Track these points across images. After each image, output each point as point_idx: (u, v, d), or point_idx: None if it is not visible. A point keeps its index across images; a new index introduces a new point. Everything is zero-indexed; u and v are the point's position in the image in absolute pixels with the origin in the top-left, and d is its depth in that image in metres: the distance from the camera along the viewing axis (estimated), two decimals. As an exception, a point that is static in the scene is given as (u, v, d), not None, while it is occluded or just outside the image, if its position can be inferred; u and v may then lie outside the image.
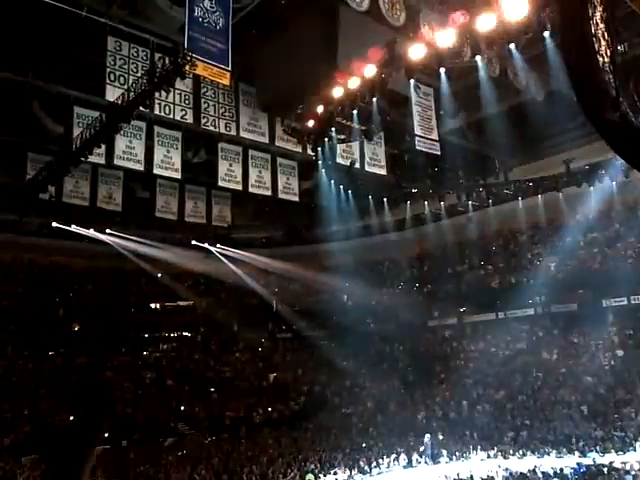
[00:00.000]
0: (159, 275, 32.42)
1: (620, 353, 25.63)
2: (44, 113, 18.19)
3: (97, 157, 17.40)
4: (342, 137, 19.27)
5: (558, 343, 26.89)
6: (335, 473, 20.03)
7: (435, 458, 21.20)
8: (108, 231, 28.54)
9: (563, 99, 17.89)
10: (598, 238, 28.51)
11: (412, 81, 17.13)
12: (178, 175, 19.47)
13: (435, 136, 18.71)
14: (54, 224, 26.92)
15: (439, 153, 19.27)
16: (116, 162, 18.03)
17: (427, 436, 21.67)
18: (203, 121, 18.22)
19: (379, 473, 20.73)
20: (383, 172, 22.47)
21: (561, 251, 27.79)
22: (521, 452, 20.82)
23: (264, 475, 19.60)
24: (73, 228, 27.41)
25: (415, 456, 21.63)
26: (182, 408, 28.78)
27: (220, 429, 27.00)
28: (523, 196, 26.63)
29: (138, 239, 28.74)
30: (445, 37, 14.10)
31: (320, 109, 17.22)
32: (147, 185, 23.76)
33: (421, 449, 21.59)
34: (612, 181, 23.86)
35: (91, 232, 28.01)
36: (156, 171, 18.89)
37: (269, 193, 21.63)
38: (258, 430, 27.08)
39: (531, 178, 25.59)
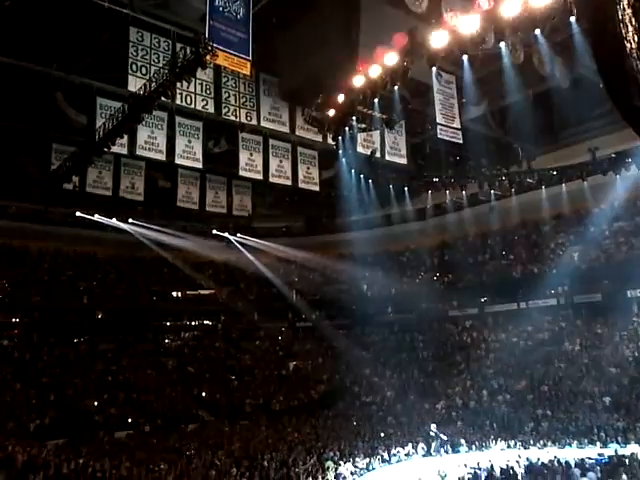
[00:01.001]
0: (180, 264, 32.74)
1: (644, 345, 25.27)
2: (67, 104, 18.40)
3: (119, 147, 17.57)
4: (363, 126, 19.15)
5: (581, 334, 26.59)
6: (355, 461, 20.11)
7: (440, 449, 21.13)
8: (130, 220, 28.89)
9: (589, 86, 17.58)
10: (624, 227, 28.03)
11: (434, 69, 16.91)
12: (199, 165, 19.58)
13: (457, 124, 18.47)
14: (78, 214, 27.33)
15: (461, 142, 19.02)
16: (138, 152, 18.19)
17: (433, 426, 21.55)
18: (224, 111, 18.27)
19: (398, 461, 20.78)
20: (404, 161, 22.32)
21: (585, 241, 27.41)
22: (542, 442, 20.69)
23: (284, 462, 19.73)
24: (96, 218, 27.80)
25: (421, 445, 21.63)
26: (203, 395, 29.18)
27: (240, 416, 27.31)
28: (547, 185, 26.23)
29: (160, 228, 29.05)
30: (469, 23, 13.85)
31: (341, 98, 17.11)
32: (169, 175, 23.96)
33: (429, 440, 21.50)
34: (639, 169, 23.38)
35: (114, 221, 28.39)
36: (178, 161, 19.03)
37: (289, 183, 21.63)
38: (278, 417, 27.32)
39: (555, 167, 25.16)
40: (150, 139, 18.03)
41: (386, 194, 28.02)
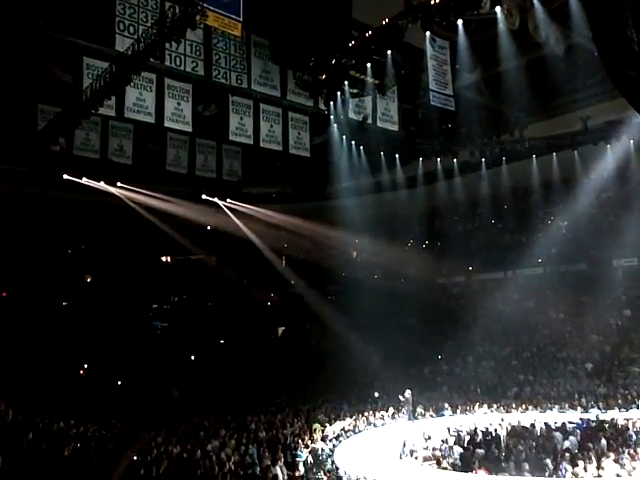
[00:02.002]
0: (169, 229, 32.57)
1: (628, 313, 25.79)
2: (53, 64, 17.95)
3: (107, 109, 17.22)
4: (355, 91, 18.91)
5: (566, 302, 27.01)
6: (341, 423, 20.56)
7: (413, 415, 21.58)
8: (119, 184, 28.56)
9: (583, 54, 17.45)
10: (612, 198, 28.25)
11: (428, 33, 16.66)
12: (189, 128, 19.29)
13: (450, 91, 18.29)
14: (65, 176, 26.94)
15: (453, 109, 18.87)
16: (126, 114, 17.85)
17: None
18: (214, 73, 17.93)
19: (383, 424, 21.27)
20: (395, 128, 22.15)
21: (573, 210, 27.59)
22: (524, 407, 21.24)
23: (271, 424, 20.15)
24: (84, 181, 27.43)
25: (419, 409, 22.11)
26: (192, 358, 29.49)
27: (229, 380, 27.68)
28: (538, 154, 26.22)
29: (149, 192, 28.76)
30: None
31: (333, 61, 16.85)
32: (157, 138, 23.61)
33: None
34: (630, 140, 23.42)
35: (102, 185, 28.03)
36: (167, 124, 18.71)
37: (280, 148, 21.40)
38: (266, 381, 27.72)
39: (546, 135, 25.12)
40: (139, 101, 17.68)
41: (377, 161, 27.89)
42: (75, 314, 29.05)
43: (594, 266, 28.13)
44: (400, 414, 21.71)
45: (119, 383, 27.00)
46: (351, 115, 20.80)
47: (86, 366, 27.12)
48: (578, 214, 27.19)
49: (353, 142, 25.23)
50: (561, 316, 26.96)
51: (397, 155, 27.87)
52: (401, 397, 21.83)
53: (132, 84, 16.67)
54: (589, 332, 25.22)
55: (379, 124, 21.51)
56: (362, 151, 26.13)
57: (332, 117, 21.27)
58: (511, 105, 23.74)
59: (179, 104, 18.54)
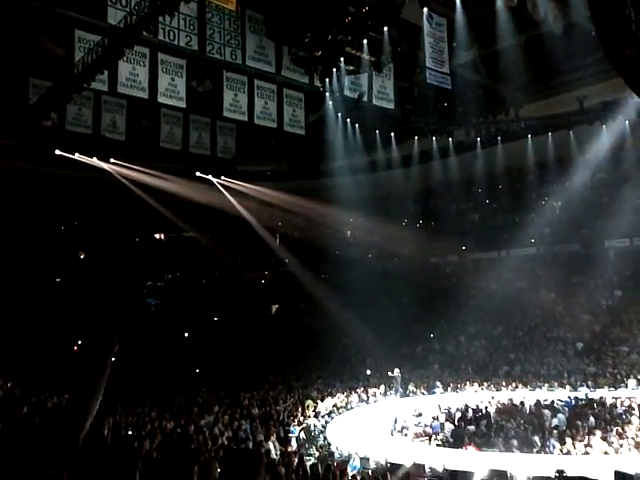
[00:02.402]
0: (162, 206, 32.44)
1: (619, 293, 26.00)
2: (45, 36, 17.65)
3: (100, 84, 17.00)
4: (351, 68, 18.74)
5: (558, 282, 27.16)
6: (333, 399, 20.78)
7: (402, 392, 21.88)
8: (112, 160, 28.33)
9: (581, 33, 17.29)
10: (606, 179, 28.29)
11: (425, 10, 16.50)
12: (183, 104, 19.08)
13: (447, 69, 18.17)
14: (57, 152, 26.68)
15: (450, 87, 18.78)
16: (119, 89, 17.63)
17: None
18: (208, 48, 17.68)
19: (375, 401, 21.52)
20: (391, 106, 21.98)
21: (567, 191, 27.65)
22: (514, 385, 21.52)
23: (264, 400, 20.36)
24: (77, 157, 27.18)
25: (410, 386, 22.38)
26: (186, 335, 29.62)
27: (223, 357, 27.87)
28: (533, 134, 26.17)
29: (142, 169, 28.55)
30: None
31: (329, 38, 16.65)
32: (151, 114, 23.36)
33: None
34: (625, 120, 23.39)
35: (94, 161, 27.80)
36: (160, 99, 18.50)
37: (274, 125, 21.23)
38: (260, 358, 27.93)
39: (542, 115, 25.04)
40: (132, 76, 17.44)
41: (372, 139, 27.76)
42: (68, 290, 29.03)
43: (587, 246, 28.28)
44: (390, 391, 21.98)
45: (112, 359, 27.11)
46: (346, 92, 20.62)
47: (80, 342, 27.16)
48: (572, 194, 27.25)
49: (348, 120, 25.09)
50: (552, 296, 27.14)
51: (392, 133, 27.76)
52: (390, 374, 22.09)
53: (125, 58, 16.44)
54: (580, 312, 25.44)
55: (375, 102, 21.35)
56: (357, 129, 26.00)
57: (327, 94, 21.10)
58: (507, 84, 23.62)
59: (173, 79, 18.31)
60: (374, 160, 29.62)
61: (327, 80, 19.22)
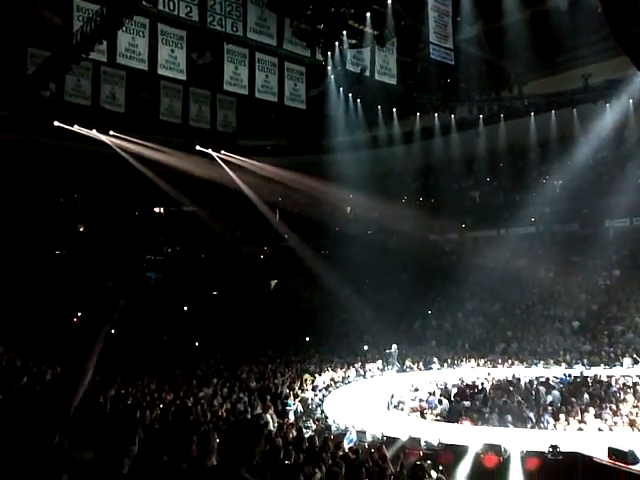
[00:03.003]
0: (162, 180, 32.32)
1: (617, 273, 26.09)
2: (43, 5, 17.37)
3: (99, 54, 16.77)
4: (353, 42, 18.46)
5: (557, 261, 27.23)
6: (331, 374, 21.00)
7: (399, 368, 22.11)
8: (111, 133, 28.13)
9: (587, 9, 17.04)
10: (607, 158, 28.14)
11: (430, -17, 16.20)
12: (183, 76, 18.85)
13: (450, 45, 17.93)
14: (56, 123, 26.47)
15: (453, 63, 18.54)
16: (119, 60, 17.39)
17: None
18: (209, 19, 17.39)
19: (372, 376, 21.75)
20: (393, 81, 21.73)
21: (568, 170, 27.53)
22: (510, 362, 21.73)
23: (263, 374, 20.57)
24: (75, 128, 26.97)
25: (407, 362, 22.60)
26: (185, 309, 29.77)
27: (222, 331, 28.06)
28: (536, 111, 25.90)
29: (142, 142, 28.37)
30: None
31: (332, 10, 16.39)
32: (151, 86, 23.11)
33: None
34: (629, 99, 23.16)
35: (94, 133, 27.60)
36: (160, 71, 18.27)
37: (275, 99, 21.01)
38: (258, 332, 28.14)
39: (546, 93, 24.78)
40: (131, 47, 17.20)
41: (373, 115, 27.51)
42: (68, 263, 29.10)
43: (586, 226, 28.32)
44: (388, 367, 22.19)
45: (112, 332, 27.31)
46: (349, 67, 20.35)
47: (80, 314, 27.31)
48: (573, 173, 27.14)
49: (350, 95, 24.81)
50: (551, 275, 27.25)
51: (394, 109, 27.49)
52: (387, 350, 22.28)
53: (124, 28, 16.20)
54: (578, 291, 25.56)
55: (377, 77, 21.09)
56: (359, 105, 25.73)
57: (329, 68, 20.84)
58: (512, 61, 23.33)
59: (173, 51, 18.07)
60: (375, 136, 29.40)
61: (329, 54, 18.95)
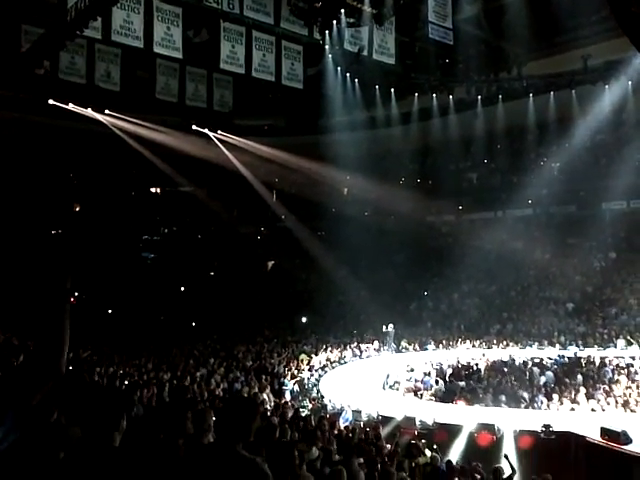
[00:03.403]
0: (159, 160, 32.12)
1: (613, 255, 26.19)
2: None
3: (93, 31, 16.50)
4: (351, 20, 18.22)
5: (553, 243, 27.29)
6: (327, 354, 21.15)
7: (395, 348, 22.27)
8: (107, 112, 27.88)
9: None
10: (605, 140, 28.07)
11: (430, -40, 15.96)
12: (179, 54, 18.59)
13: (449, 24, 17.76)
14: (50, 102, 26.20)
15: (452, 43, 18.39)
16: (113, 38, 17.12)
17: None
18: (205, -4, 17.15)
19: (368, 357, 21.91)
20: (392, 61, 21.50)
21: (566, 152, 27.45)
22: (505, 343, 21.91)
23: (259, 353, 20.69)
24: (70, 107, 26.71)
25: (403, 343, 22.77)
26: (182, 289, 29.82)
27: (219, 311, 28.16)
28: (535, 93, 25.72)
29: (137, 121, 28.14)
30: None
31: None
32: (146, 65, 22.85)
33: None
34: (628, 81, 23.01)
35: (89, 112, 27.36)
36: (156, 49, 18.00)
37: (272, 79, 20.79)
38: (255, 313, 28.24)
39: (545, 74, 24.59)
40: (126, 24, 16.94)
41: (371, 95, 27.29)
42: (64, 243, 29.03)
43: (583, 208, 28.35)
44: (384, 347, 22.35)
45: (109, 312, 27.40)
46: (346, 46, 20.11)
47: (77, 294, 27.34)
48: (571, 155, 27.08)
49: (348, 75, 24.57)
50: (547, 257, 27.34)
51: (392, 89, 27.26)
52: (384, 329, 22.41)
53: (118, 5, 15.93)
54: (573, 273, 25.67)
55: (375, 56, 20.86)
56: (357, 84, 25.50)
57: (327, 47, 20.57)
58: (511, 41, 23.09)
59: (169, 29, 17.81)
60: (373, 117, 29.20)
61: (327, 33, 18.71)
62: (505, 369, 17.64)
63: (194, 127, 30.07)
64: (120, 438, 2.39)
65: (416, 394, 16.12)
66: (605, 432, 10.70)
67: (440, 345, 22.64)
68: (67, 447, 2.25)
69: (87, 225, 29.75)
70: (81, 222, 30.09)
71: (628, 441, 10.40)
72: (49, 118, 27.21)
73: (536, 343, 21.38)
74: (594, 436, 10.90)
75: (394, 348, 22.19)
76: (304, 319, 28.27)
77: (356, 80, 25.18)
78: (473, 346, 22.10)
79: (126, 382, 12.59)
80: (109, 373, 14.03)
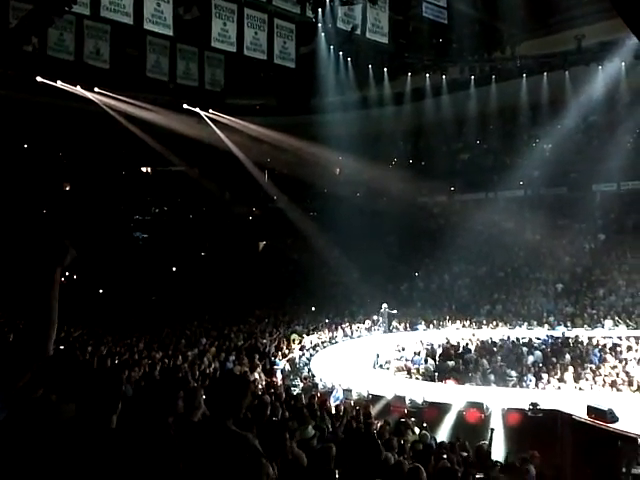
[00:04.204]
0: (150, 139, 31.81)
1: (602, 237, 26.37)
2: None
3: (82, 7, 16.24)
4: (345, -2, 18.05)
5: (543, 224, 27.41)
6: (319, 334, 21.28)
7: (388, 327, 22.45)
8: (96, 90, 27.50)
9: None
10: (598, 121, 28.09)
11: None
12: (170, 31, 18.32)
13: (444, 3, 17.62)
14: (39, 79, 25.79)
15: (446, 22, 18.24)
16: (102, 14, 16.84)
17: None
18: (196, -28, 16.86)
19: (359, 336, 22.06)
20: (385, 40, 21.28)
21: (558, 133, 27.47)
22: (494, 323, 22.12)
23: (251, 333, 20.77)
24: (59, 84, 26.32)
25: (394, 323, 22.92)
26: (174, 269, 29.78)
27: (210, 291, 28.18)
28: (528, 73, 25.64)
29: (128, 100, 27.80)
30: None
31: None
32: (136, 42, 22.50)
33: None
34: (622, 62, 22.97)
35: (78, 89, 26.97)
36: (146, 26, 17.73)
37: (264, 57, 20.55)
38: (247, 293, 28.29)
39: (539, 54, 24.49)
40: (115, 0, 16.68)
41: (364, 75, 27.08)
42: (54, 221, 28.83)
43: (574, 190, 28.47)
44: (377, 326, 22.50)
45: (101, 292, 27.37)
46: (339, 25, 19.88)
47: (67, 274, 27.24)
48: (563, 137, 27.11)
49: (340, 54, 24.36)
50: (537, 238, 27.47)
51: (385, 69, 27.07)
52: (380, 309, 22.54)
53: (108, -20, 15.66)
54: (563, 254, 25.86)
55: (368, 35, 20.64)
56: (349, 64, 25.29)
57: (319, 26, 20.36)
58: (505, 20, 22.96)
59: (159, 5, 17.52)
60: (365, 96, 29.00)
61: (320, 11, 18.53)
62: (494, 349, 17.83)
63: (185, 106, 29.75)
64: (116, 419, 2.40)
65: (407, 373, 16.30)
66: (592, 410, 10.88)
67: (430, 325, 22.82)
68: (59, 425, 2.26)
69: (77, 205, 29.54)
70: (71, 202, 29.86)
71: (614, 419, 10.57)
72: (37, 96, 26.80)
73: (525, 323, 21.60)
74: (581, 414, 11.08)
75: (385, 327, 22.32)
76: (295, 299, 28.35)
77: (349, 59, 25.00)
78: (463, 326, 22.29)
79: (117, 361, 12.63)
80: (101, 352, 14.06)
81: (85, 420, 2.24)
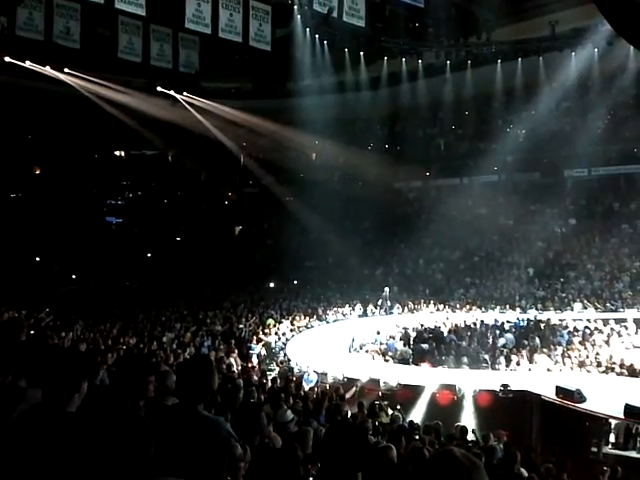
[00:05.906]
0: (123, 122, 31.24)
1: (573, 222, 26.86)
2: None
3: (50, -15, 15.83)
4: (321, -20, 17.85)
5: (516, 210, 27.78)
6: (294, 319, 21.34)
7: (389, 310, 22.71)
8: (66, 70, 26.83)
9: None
10: (571, 107, 28.46)
11: None
12: (142, 12, 17.95)
13: (420, -14, 17.53)
14: (7, 59, 25.05)
15: (422, 6, 18.21)
16: (72, -8, 16.46)
17: (386, 289, 22.85)
18: (168, -50, 16.50)
19: (335, 321, 22.19)
20: (361, 24, 21.19)
21: (532, 119, 27.76)
22: (468, 307, 22.45)
23: (227, 318, 20.74)
24: (27, 65, 25.60)
25: (370, 307, 23.11)
26: (149, 254, 29.48)
27: (186, 276, 28.01)
28: (503, 59, 25.79)
29: (100, 81, 27.20)
30: None
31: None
32: (108, 22, 21.96)
33: (378, 301, 22.93)
34: (594, 48, 23.23)
35: (47, 70, 26.28)
36: (117, 5, 17.33)
37: (240, 40, 20.28)
38: (222, 278, 28.19)
39: (513, 40, 24.65)
40: (85, -22, 16.26)
41: (340, 59, 26.93)
42: (25, 206, 28.28)
43: (546, 175, 28.89)
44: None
45: (73, 277, 26.95)
46: (316, 7, 19.71)
47: (38, 259, 26.80)
48: (536, 122, 27.42)
49: (317, 37, 24.15)
50: (510, 223, 27.86)
51: (362, 53, 26.95)
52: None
53: (77, -43, 15.24)
54: (535, 239, 26.28)
55: (345, 18, 20.52)
56: (326, 47, 25.10)
57: (296, 8, 20.16)
58: (481, 4, 23.04)
59: (130, -17, 17.14)
60: (342, 81, 28.87)
61: (296, -8, 18.31)
62: (468, 332, 18.12)
63: (159, 88, 29.24)
64: (79, 402, 2.38)
65: (382, 356, 16.48)
66: (560, 391, 11.17)
67: (405, 309, 23.05)
68: (23, 410, 2.24)
69: (48, 189, 28.98)
70: (42, 186, 29.26)
71: (582, 399, 10.88)
72: (5, 76, 26.04)
73: (498, 307, 21.96)
74: (550, 395, 11.37)
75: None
76: (272, 284, 28.35)
77: (325, 43, 24.80)
78: (437, 310, 22.57)
79: (90, 347, 12.49)
80: (73, 338, 13.90)
81: (48, 405, 2.23)
